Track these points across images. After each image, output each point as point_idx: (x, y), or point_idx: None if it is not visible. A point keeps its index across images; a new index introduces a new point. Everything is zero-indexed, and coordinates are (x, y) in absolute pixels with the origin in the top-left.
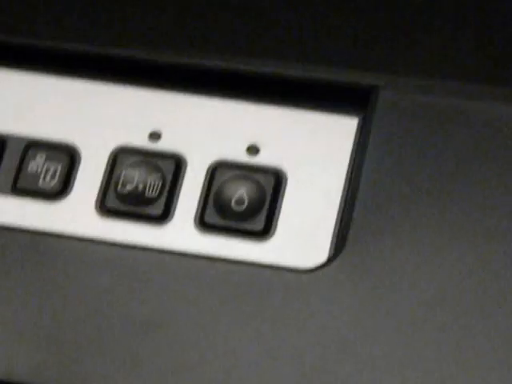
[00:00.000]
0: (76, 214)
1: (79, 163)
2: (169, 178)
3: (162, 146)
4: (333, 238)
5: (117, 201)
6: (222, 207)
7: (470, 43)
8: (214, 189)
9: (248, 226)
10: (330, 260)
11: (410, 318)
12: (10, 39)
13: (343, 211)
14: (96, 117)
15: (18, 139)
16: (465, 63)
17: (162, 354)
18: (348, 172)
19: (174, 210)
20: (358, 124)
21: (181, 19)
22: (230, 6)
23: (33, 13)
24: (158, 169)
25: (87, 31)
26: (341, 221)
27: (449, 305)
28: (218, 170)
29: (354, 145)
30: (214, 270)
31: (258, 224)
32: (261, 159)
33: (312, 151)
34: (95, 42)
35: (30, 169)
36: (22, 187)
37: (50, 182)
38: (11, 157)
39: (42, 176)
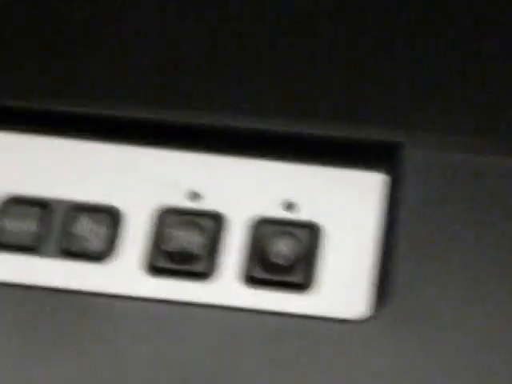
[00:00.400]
0: (124, 274)
1: (123, 224)
2: (211, 235)
3: (201, 205)
4: (373, 288)
5: (163, 259)
6: (265, 261)
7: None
8: (255, 244)
9: (290, 278)
10: (376, 310)
11: (459, 367)
12: (47, 105)
13: (381, 262)
14: (135, 179)
15: (61, 203)
16: (480, 118)
17: None
18: (381, 224)
19: (219, 266)
20: (385, 179)
21: (211, 81)
22: (255, 68)
23: (65, 78)
24: (200, 227)
25: (120, 95)
26: (380, 271)
27: (498, 352)
28: (257, 226)
29: (383, 199)
30: (263, 323)
31: (300, 277)
32: (297, 215)
33: (345, 206)
34: (127, 106)
35: (75, 231)
36: (69, 250)
37: (96, 244)
38: (55, 220)
39: (88, 238)
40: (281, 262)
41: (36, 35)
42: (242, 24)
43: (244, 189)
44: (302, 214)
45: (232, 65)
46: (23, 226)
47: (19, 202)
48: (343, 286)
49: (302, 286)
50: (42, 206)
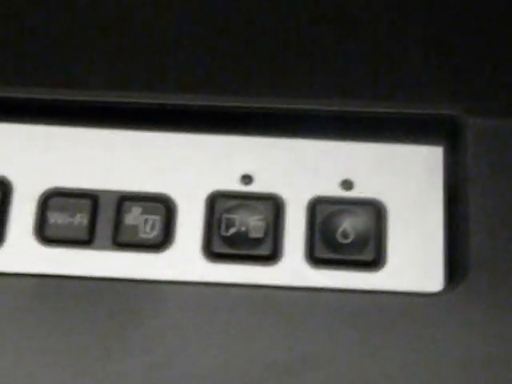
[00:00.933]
0: (183, 262)
1: (177, 212)
2: (270, 217)
3: (255, 187)
4: (445, 263)
5: (223, 244)
6: (329, 241)
7: None
8: (317, 224)
9: (359, 257)
10: (450, 285)
11: None
12: (86, 96)
13: (452, 236)
14: (184, 165)
15: (110, 193)
16: None
17: None
18: (445, 199)
19: (283, 248)
20: (444, 152)
21: (250, 65)
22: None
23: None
24: (257, 210)
25: (157, 82)
26: (451, 245)
27: None
28: (317, 206)
29: (444, 172)
30: (337, 301)
31: (369, 255)
32: (357, 193)
33: (405, 181)
34: (171, 94)
35: (127, 222)
36: (124, 241)
37: (151, 233)
38: (105, 212)
39: (142, 228)
40: (346, 241)
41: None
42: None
43: (298, 169)
44: (362, 192)
45: (272, 49)
46: (73, 219)
47: (67, 195)
48: (415, 261)
49: (372, 263)
50: (91, 197)
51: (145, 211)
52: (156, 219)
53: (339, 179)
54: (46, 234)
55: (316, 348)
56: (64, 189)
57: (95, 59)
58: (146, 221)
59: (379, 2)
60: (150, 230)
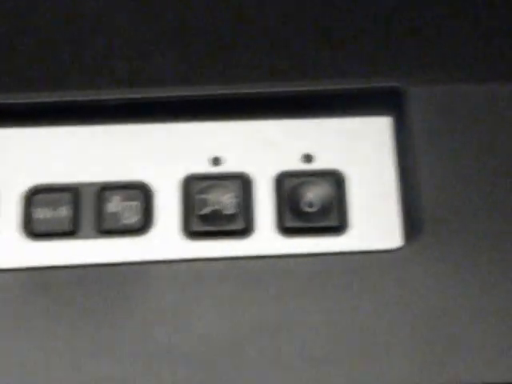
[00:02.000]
0: (164, 242)
1: (154, 196)
2: (241, 194)
3: (224, 168)
4: (401, 222)
5: (200, 223)
6: (296, 211)
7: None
8: (284, 197)
9: (324, 223)
10: (407, 242)
11: (492, 291)
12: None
13: (406, 198)
14: (157, 152)
15: (89, 185)
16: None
17: (300, 353)
18: (396, 164)
19: (255, 222)
20: (393, 121)
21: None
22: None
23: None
24: (228, 189)
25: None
26: (405, 207)
27: None
28: (283, 180)
29: (394, 140)
30: (308, 265)
31: (333, 221)
32: (317, 165)
33: (360, 151)
34: (132, 86)
35: (109, 210)
36: (107, 228)
37: (132, 219)
38: (87, 203)
39: (123, 214)
40: (312, 210)
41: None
42: None
43: (262, 148)
44: (322, 164)
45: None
46: (56, 212)
47: (47, 191)
48: (375, 223)
49: (337, 228)
50: (72, 191)
51: (124, 198)
52: (136, 205)
53: (300, 154)
54: (32, 229)
55: (292, 310)
56: (46, 185)
57: (67, 57)
58: (126, 207)
59: None
60: (131, 215)
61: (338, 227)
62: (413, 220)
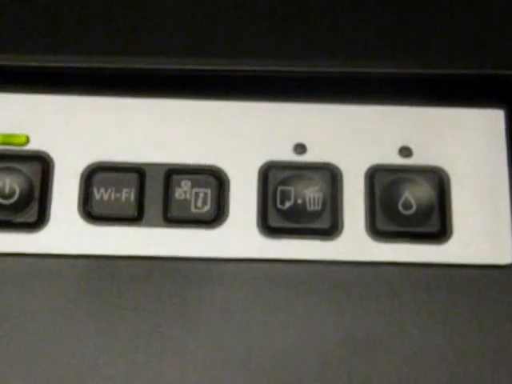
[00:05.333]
0: (238, 238)
1: (229, 185)
2: (327, 189)
3: (309, 157)
4: None
5: (279, 219)
6: (391, 213)
7: None
8: (377, 195)
9: (423, 229)
10: None
11: None
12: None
13: None
14: (233, 134)
15: (156, 167)
16: None
17: (382, 373)
18: (509, 164)
19: (343, 222)
20: (506, 115)
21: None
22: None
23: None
24: (313, 181)
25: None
26: None
27: None
28: (376, 175)
29: (506, 136)
30: (403, 275)
31: (434, 226)
32: (417, 160)
33: (466, 147)
34: (208, 58)
35: (177, 197)
36: (174, 217)
37: (203, 208)
38: (153, 187)
39: (193, 203)
40: (409, 212)
41: None
42: None
43: (353, 136)
44: (422, 159)
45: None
46: (121, 195)
47: (112, 170)
48: (482, 232)
49: (437, 235)
50: (137, 172)
51: (195, 184)
52: (207, 192)
53: (397, 146)
54: (91, 211)
55: (381, 325)
56: (108, 163)
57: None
58: (196, 195)
59: None
60: (202, 204)
61: (438, 234)
62: None
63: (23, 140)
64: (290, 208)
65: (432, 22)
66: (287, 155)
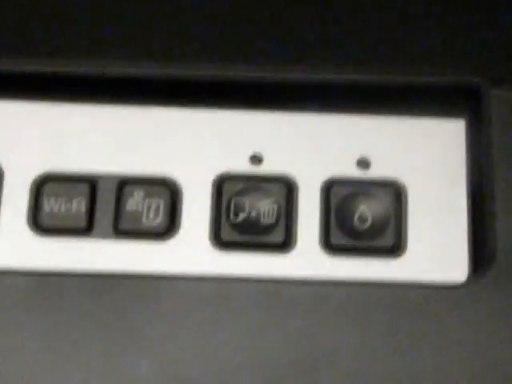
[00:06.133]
0: (190, 251)
1: (182, 196)
2: (282, 202)
3: (265, 169)
4: (469, 250)
5: (232, 232)
6: (346, 226)
7: None
8: (333, 208)
9: (377, 243)
10: (474, 275)
11: None
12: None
13: (477, 220)
14: (188, 144)
15: (108, 177)
16: None
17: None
18: (468, 178)
19: (296, 236)
20: (466, 125)
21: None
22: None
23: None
24: (268, 193)
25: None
26: (476, 231)
27: None
28: (332, 188)
29: (466, 148)
30: (356, 294)
31: (388, 240)
32: (374, 172)
33: (425, 159)
34: (163, 63)
35: (128, 208)
36: (125, 229)
37: (155, 220)
38: (105, 198)
39: (145, 214)
40: (363, 226)
41: None
42: None
43: (310, 147)
44: (380, 171)
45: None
46: (71, 206)
47: (63, 180)
48: (437, 247)
49: (392, 250)
50: (88, 182)
51: (147, 195)
52: (160, 204)
53: (355, 158)
54: (41, 223)
55: (332, 344)
56: (59, 173)
57: (88, 29)
58: (149, 206)
59: None
60: (154, 216)
61: (393, 249)
62: (483, 249)
63: None
64: (244, 221)
65: (393, 30)
66: (243, 166)
